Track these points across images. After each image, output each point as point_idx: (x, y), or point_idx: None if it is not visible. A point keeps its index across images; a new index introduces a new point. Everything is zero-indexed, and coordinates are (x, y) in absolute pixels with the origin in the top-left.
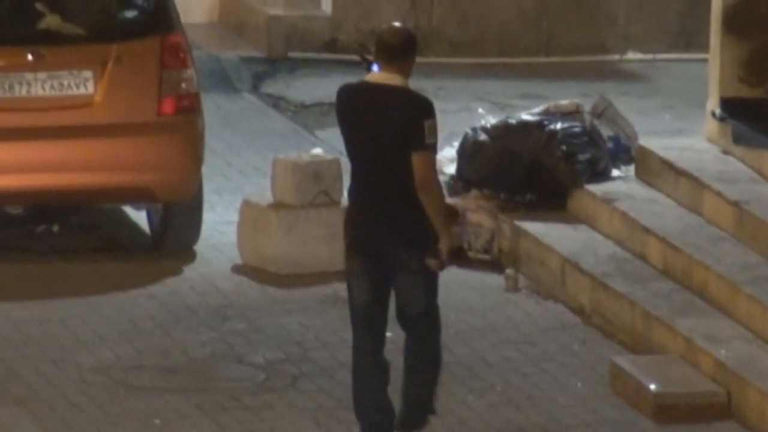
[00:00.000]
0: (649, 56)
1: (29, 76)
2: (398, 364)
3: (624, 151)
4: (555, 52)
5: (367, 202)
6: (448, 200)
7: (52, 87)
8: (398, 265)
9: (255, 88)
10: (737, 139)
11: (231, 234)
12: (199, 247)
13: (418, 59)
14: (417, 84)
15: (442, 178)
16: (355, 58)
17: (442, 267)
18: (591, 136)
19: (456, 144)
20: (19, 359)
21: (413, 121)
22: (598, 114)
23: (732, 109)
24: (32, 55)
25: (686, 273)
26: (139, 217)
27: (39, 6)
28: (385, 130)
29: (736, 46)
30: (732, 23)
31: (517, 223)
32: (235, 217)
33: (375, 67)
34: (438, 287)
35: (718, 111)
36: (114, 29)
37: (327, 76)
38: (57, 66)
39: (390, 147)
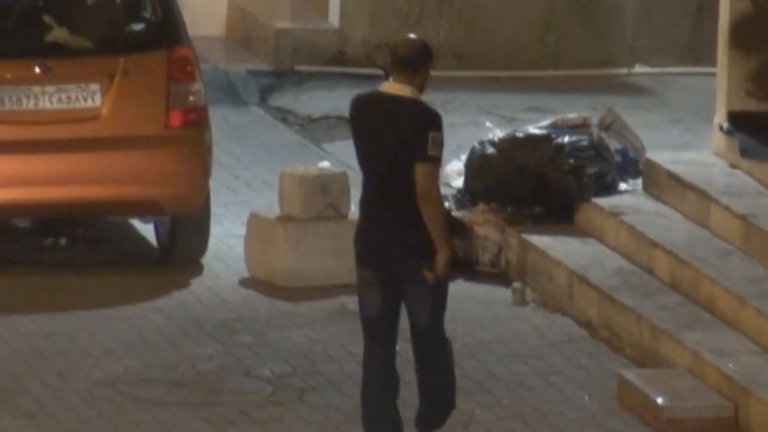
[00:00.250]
0: (657, 70)
1: (37, 89)
2: (405, 378)
3: (631, 165)
4: (562, 65)
5: (376, 212)
6: (456, 213)
7: (59, 100)
8: (406, 275)
9: (262, 102)
10: (744, 153)
11: (238, 247)
12: (207, 260)
13: None
14: (424, 97)
15: (449, 192)
16: (362, 71)
17: (437, 279)
18: (598, 150)
19: (463, 157)
20: (26, 372)
21: (418, 131)
22: (605, 127)
23: (739, 122)
24: (40, 68)
25: (693, 286)
26: (146, 230)
27: (47, 19)
28: (392, 140)
29: (744, 60)
30: (739, 37)
31: (525, 236)
32: (242, 230)
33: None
34: (446, 300)
35: (725, 125)
36: (121, 42)
37: (334, 89)
38: (64, 79)
39: (397, 157)
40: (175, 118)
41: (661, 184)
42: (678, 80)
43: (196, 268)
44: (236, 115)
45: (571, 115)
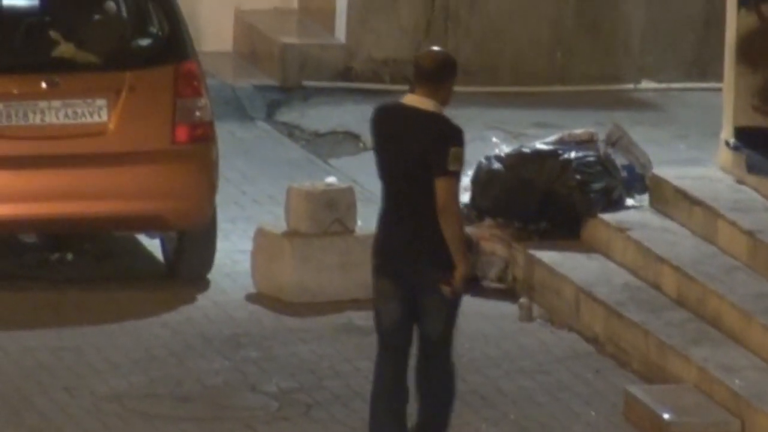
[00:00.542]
0: (664, 85)
1: (43, 104)
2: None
3: (638, 180)
4: (569, 81)
5: (394, 223)
6: None
7: (66, 115)
8: (423, 286)
9: (269, 117)
10: (751, 169)
11: (245, 262)
12: (213, 275)
13: None
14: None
15: None
16: (369, 86)
17: (454, 294)
18: (605, 165)
19: (470, 173)
20: (32, 387)
21: (439, 146)
22: (612, 143)
23: (746, 138)
24: (46, 83)
25: (700, 302)
26: (153, 245)
27: (53, 34)
28: (411, 153)
29: (750, 76)
30: (746, 53)
31: (531, 251)
32: (249, 245)
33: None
34: (457, 315)
35: (732, 140)
36: (128, 57)
37: (341, 104)
38: (71, 94)
39: (416, 170)
40: (182, 134)
41: (668, 199)
42: (684, 96)
43: (203, 284)
44: (243, 130)
45: (578, 131)
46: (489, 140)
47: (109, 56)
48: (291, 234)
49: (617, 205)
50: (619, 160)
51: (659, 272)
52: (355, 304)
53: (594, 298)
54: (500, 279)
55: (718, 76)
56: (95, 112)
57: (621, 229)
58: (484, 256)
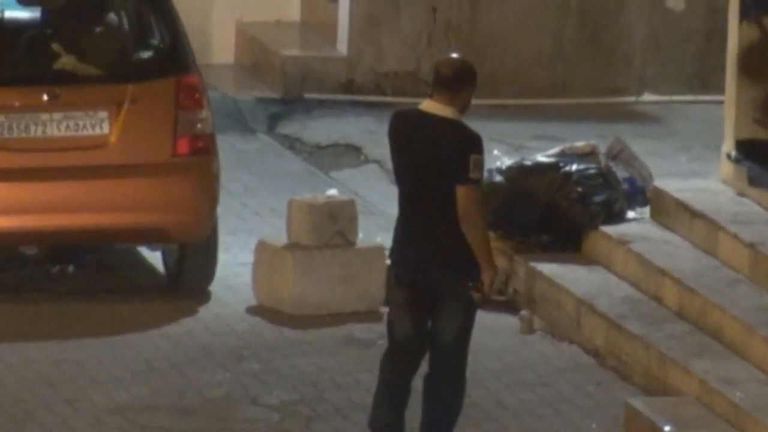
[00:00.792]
0: (665, 98)
1: (45, 116)
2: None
3: (639, 193)
4: (570, 93)
5: (412, 229)
6: None
7: (67, 127)
8: (439, 291)
9: (270, 129)
10: (752, 181)
11: (246, 275)
12: (214, 287)
13: None
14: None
15: None
16: (370, 99)
17: (484, 299)
18: (606, 178)
19: None
20: (34, 400)
21: (459, 154)
22: (613, 155)
23: (747, 150)
24: (48, 95)
25: (701, 315)
26: (154, 257)
27: (55, 46)
28: (429, 160)
29: (752, 89)
30: (748, 65)
31: (532, 264)
32: (250, 257)
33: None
34: (472, 325)
35: (733, 153)
36: (130, 70)
37: (342, 117)
38: (72, 106)
39: (433, 177)
40: (183, 146)
41: (669, 212)
42: (686, 108)
43: (204, 296)
44: (244, 142)
45: (579, 144)
46: (490, 153)
47: (110, 68)
48: (292, 246)
49: (618, 217)
50: (621, 173)
51: (660, 285)
52: (356, 316)
53: (595, 310)
54: (501, 291)
55: (720, 89)
56: (97, 124)
57: (622, 242)
58: None
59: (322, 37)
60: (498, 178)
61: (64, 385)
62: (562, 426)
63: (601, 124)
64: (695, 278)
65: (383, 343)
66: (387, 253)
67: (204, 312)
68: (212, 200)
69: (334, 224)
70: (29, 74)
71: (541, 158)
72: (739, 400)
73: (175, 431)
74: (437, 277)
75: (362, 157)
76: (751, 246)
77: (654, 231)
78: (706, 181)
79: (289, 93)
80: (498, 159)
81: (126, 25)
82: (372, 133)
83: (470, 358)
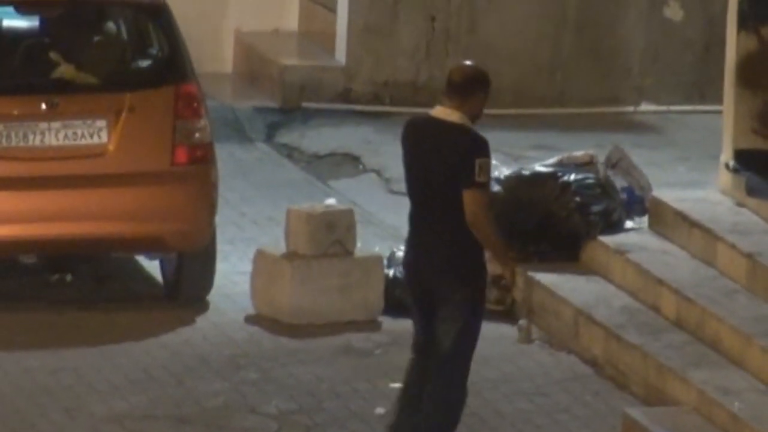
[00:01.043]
0: (663, 108)
1: (43, 125)
2: None
3: (637, 203)
4: (569, 103)
5: (420, 234)
6: None
7: (65, 136)
8: (442, 296)
9: (269, 138)
10: (751, 191)
11: (244, 284)
12: (212, 296)
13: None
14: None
15: None
16: (368, 108)
17: (508, 291)
18: (605, 188)
19: None
20: (31, 408)
21: (465, 158)
22: (611, 165)
23: (746, 161)
24: (46, 104)
25: (699, 325)
26: (152, 266)
27: (53, 55)
28: (437, 165)
29: (750, 99)
30: (746, 75)
31: (530, 273)
32: (248, 267)
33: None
34: (475, 338)
35: (731, 163)
36: (128, 79)
37: (340, 126)
38: (71, 115)
39: (441, 182)
40: (181, 155)
41: (668, 222)
42: (684, 118)
43: (202, 305)
44: (242, 151)
45: (578, 153)
46: None
47: (108, 77)
48: (290, 255)
49: (616, 227)
50: (619, 183)
51: (658, 294)
52: (354, 325)
53: (593, 320)
54: (499, 301)
55: (718, 99)
56: (95, 133)
57: (620, 252)
58: None
59: (321, 46)
60: (496, 187)
61: (61, 394)
62: None
63: (599, 133)
64: (693, 288)
65: (381, 353)
66: (385, 262)
67: (202, 321)
68: (210, 209)
69: (333, 233)
70: (28, 83)
71: (540, 168)
72: (737, 410)
73: None
74: (435, 284)
75: (360, 167)
76: (749, 256)
77: (652, 241)
78: (704, 191)
79: (288, 102)
80: (496, 169)
81: (124, 34)
82: (370, 143)
83: None
